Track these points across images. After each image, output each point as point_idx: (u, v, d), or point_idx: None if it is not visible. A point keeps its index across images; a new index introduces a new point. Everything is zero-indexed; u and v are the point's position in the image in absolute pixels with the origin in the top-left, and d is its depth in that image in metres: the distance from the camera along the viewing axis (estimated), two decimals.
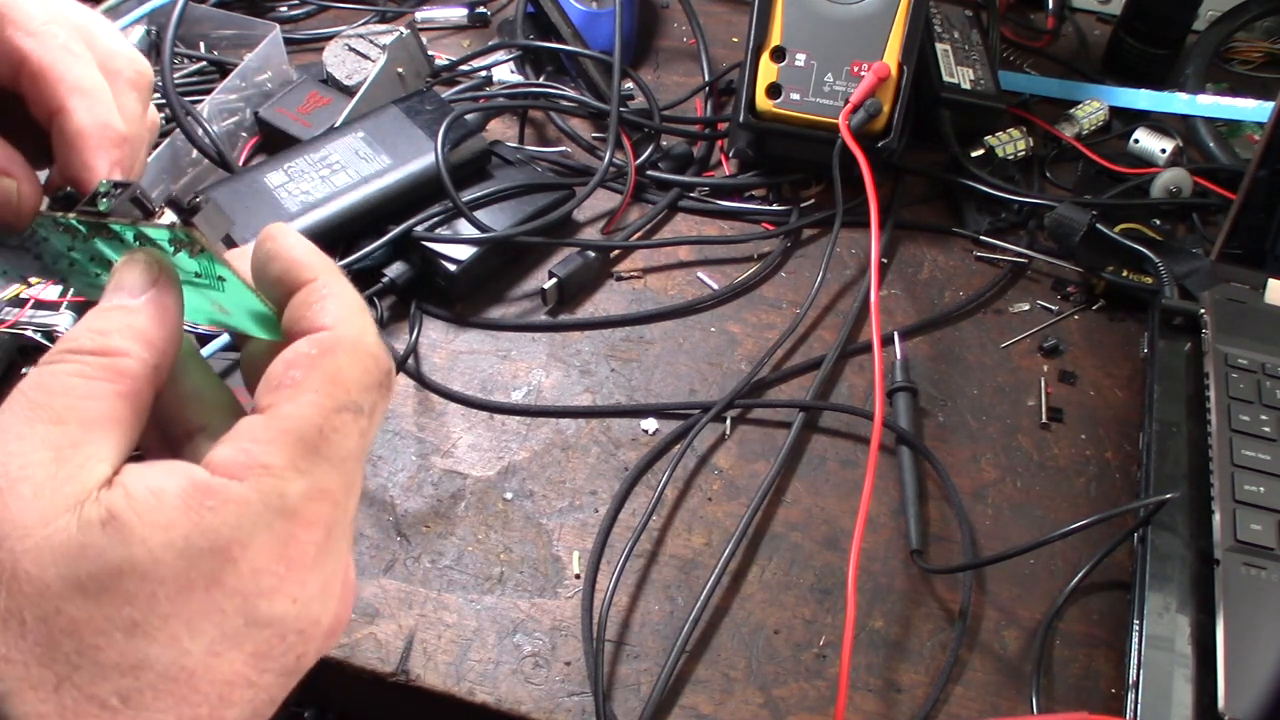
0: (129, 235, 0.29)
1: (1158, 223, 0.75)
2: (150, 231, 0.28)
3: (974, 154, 0.76)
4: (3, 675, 0.23)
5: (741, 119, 0.72)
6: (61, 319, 0.59)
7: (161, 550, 0.24)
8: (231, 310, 0.30)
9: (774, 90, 0.71)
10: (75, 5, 0.35)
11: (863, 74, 0.69)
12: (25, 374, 0.26)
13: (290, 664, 0.26)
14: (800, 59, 0.70)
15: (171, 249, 0.28)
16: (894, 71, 0.70)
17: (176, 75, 0.75)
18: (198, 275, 0.29)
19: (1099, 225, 0.69)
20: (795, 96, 0.71)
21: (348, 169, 0.66)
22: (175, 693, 0.24)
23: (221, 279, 0.29)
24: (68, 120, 0.31)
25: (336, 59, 0.76)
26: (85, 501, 0.24)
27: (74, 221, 0.30)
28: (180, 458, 0.27)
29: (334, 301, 0.28)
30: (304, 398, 0.26)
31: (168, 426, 0.30)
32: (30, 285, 0.61)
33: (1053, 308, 0.70)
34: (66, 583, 0.23)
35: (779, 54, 0.70)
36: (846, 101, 0.70)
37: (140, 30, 0.79)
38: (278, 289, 0.29)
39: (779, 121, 0.72)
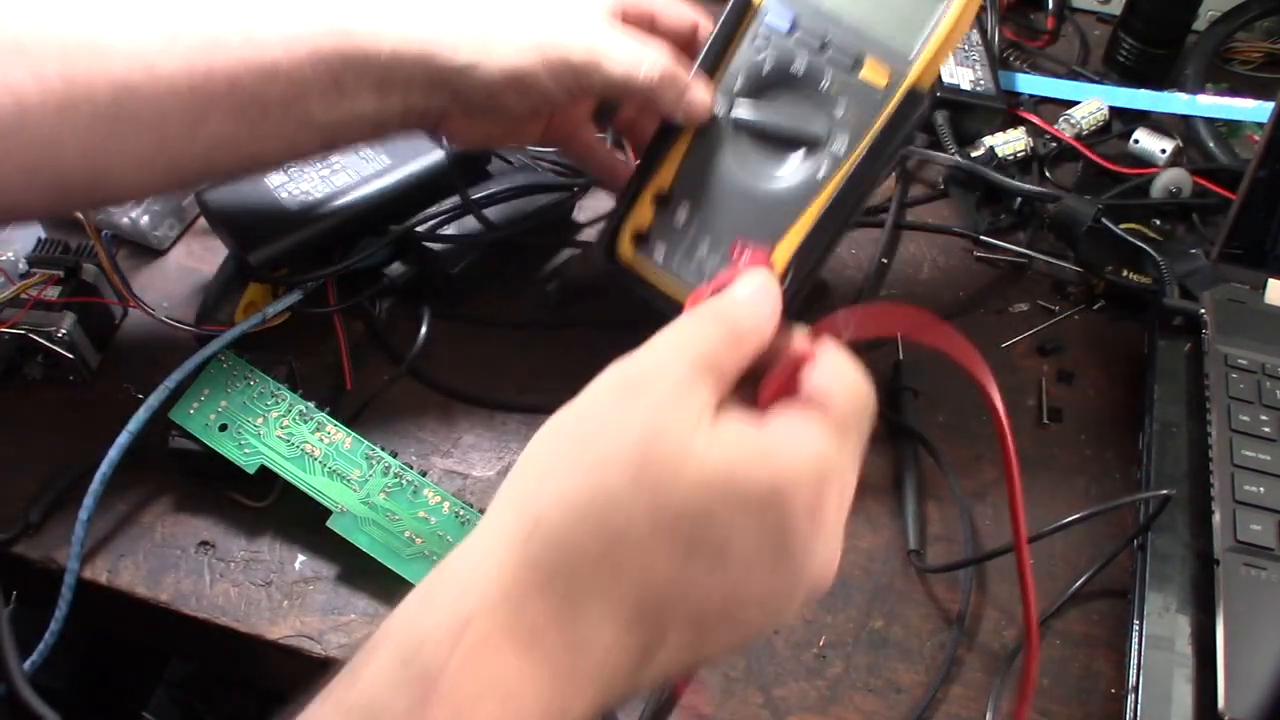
0: None
1: (1158, 223, 0.75)
2: None
3: (974, 154, 0.76)
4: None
5: (596, 256, 0.60)
6: (63, 319, 0.59)
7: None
8: None
9: (640, 240, 0.58)
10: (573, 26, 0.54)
11: (741, 258, 0.43)
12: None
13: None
14: (682, 215, 0.57)
15: None
16: (776, 268, 0.53)
17: None
18: None
19: (1103, 219, 0.69)
20: (659, 256, 0.57)
21: (348, 169, 0.66)
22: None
23: None
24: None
25: None
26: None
27: None
28: None
29: (832, 366, 0.41)
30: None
31: None
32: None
33: (1053, 308, 0.70)
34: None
35: (662, 201, 0.58)
36: (707, 281, 0.45)
37: None
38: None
39: (631, 271, 0.59)
